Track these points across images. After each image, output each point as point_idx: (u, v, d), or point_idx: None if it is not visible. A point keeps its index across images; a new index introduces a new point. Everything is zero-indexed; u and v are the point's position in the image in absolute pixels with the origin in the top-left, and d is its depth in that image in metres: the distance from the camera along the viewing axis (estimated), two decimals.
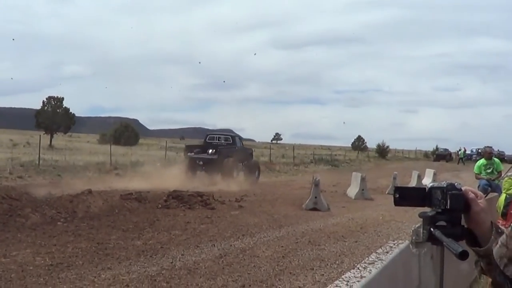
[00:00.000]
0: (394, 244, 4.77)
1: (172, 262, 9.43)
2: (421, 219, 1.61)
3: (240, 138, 32.98)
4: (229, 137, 31.07)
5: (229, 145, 29.80)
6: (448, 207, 1.55)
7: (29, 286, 7.72)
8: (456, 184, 1.58)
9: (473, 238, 1.63)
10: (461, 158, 67.13)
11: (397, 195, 1.67)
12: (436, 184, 1.62)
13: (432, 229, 1.55)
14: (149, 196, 17.45)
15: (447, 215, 1.56)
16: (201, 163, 27.40)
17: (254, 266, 9.44)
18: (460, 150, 71.46)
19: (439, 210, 1.57)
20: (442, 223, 1.56)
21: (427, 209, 1.63)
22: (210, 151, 27.78)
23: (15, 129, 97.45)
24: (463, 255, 1.43)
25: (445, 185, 1.58)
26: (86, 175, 26.84)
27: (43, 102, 51.96)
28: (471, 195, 1.59)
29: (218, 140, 30.26)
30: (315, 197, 17.67)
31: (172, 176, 24.22)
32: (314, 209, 17.25)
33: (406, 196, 1.67)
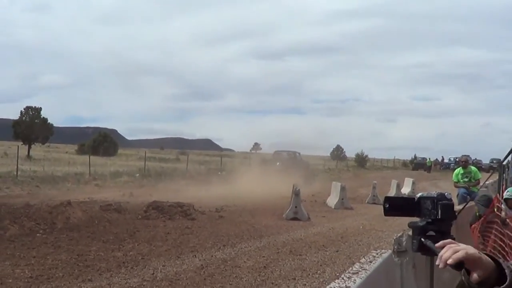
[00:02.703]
0: (377, 254, 4.78)
1: (153, 274, 9.37)
2: (404, 229, 1.62)
3: (299, 154, 41.54)
4: (291, 152, 40.17)
5: (291, 158, 38.57)
6: (439, 217, 1.56)
7: None
8: (446, 194, 1.59)
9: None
10: (429, 167, 75.70)
11: (387, 205, 1.68)
12: (425, 194, 1.63)
13: (423, 239, 1.55)
14: (128, 206, 17.35)
15: (437, 225, 1.56)
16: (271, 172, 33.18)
17: (236, 276, 9.43)
18: (428, 159, 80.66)
19: (429, 220, 1.58)
20: (432, 233, 1.56)
21: (415, 219, 1.64)
22: (278, 163, 36.11)
23: None
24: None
25: (435, 195, 1.59)
26: (65, 186, 26.68)
27: (21, 112, 51.52)
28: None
29: (282, 155, 39.22)
30: (295, 207, 17.71)
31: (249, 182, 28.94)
32: (295, 218, 17.27)
33: (395, 206, 1.68)
